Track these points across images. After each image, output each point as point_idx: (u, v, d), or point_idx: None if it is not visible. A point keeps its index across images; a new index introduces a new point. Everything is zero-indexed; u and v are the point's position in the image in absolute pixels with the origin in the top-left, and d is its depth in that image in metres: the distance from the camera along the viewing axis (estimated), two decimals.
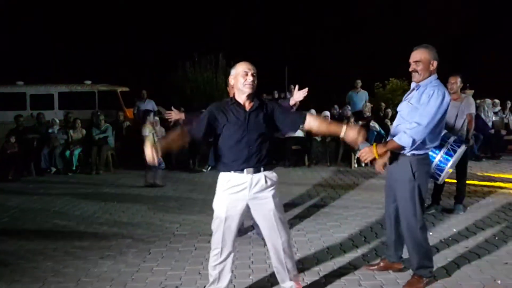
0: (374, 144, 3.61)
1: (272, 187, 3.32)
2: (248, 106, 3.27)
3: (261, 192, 3.28)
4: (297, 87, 4.72)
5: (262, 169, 3.27)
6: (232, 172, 3.26)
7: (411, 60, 3.67)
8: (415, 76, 3.64)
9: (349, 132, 3.20)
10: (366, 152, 3.56)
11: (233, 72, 3.27)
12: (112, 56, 20.16)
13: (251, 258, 4.49)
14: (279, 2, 21.42)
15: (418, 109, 3.54)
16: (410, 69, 3.68)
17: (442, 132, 3.76)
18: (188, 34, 20.18)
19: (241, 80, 3.22)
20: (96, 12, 20.86)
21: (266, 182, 3.28)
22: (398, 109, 3.83)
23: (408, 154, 3.61)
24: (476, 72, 17.28)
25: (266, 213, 3.33)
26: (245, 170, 3.24)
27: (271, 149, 3.34)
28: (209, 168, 9.47)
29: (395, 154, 3.69)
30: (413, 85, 3.78)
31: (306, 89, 4.58)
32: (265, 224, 3.38)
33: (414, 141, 3.47)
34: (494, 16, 20.07)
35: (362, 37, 20.85)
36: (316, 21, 21.51)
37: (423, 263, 3.73)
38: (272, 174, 3.34)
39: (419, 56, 3.61)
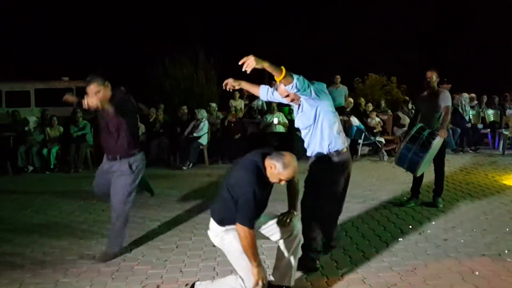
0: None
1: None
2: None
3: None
4: None
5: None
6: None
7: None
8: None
9: None
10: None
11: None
12: (90, 52, 19.82)
13: None
14: None
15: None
16: (288, 102, 3.97)
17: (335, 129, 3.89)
18: (166, 29, 19.98)
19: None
20: (73, 7, 20.47)
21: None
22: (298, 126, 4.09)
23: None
24: (452, 68, 17.58)
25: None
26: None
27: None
28: (190, 164, 9.41)
29: (320, 157, 3.92)
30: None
31: None
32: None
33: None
34: (470, 11, 20.38)
35: (341, 33, 20.95)
36: (294, 16, 21.52)
37: None
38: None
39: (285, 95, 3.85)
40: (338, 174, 3.90)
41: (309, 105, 3.78)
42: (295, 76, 3.48)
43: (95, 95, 4.09)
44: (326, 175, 3.89)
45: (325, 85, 3.90)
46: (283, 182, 3.25)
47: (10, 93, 13.47)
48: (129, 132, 4.35)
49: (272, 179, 3.21)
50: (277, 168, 3.14)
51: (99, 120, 4.50)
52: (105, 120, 4.35)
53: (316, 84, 3.75)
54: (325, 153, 3.86)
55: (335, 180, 3.91)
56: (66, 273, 4.15)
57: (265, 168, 3.19)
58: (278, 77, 3.44)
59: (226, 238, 3.24)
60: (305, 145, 4.05)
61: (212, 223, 3.34)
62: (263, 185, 3.18)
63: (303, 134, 4.02)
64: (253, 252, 3.10)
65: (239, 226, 3.08)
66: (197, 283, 3.47)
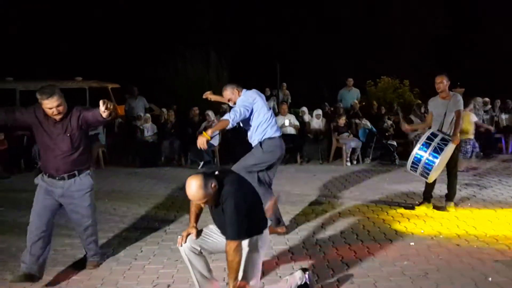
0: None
1: None
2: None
3: None
4: None
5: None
6: None
7: None
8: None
9: None
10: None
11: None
12: (103, 52, 19.98)
13: None
14: None
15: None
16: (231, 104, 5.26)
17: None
18: (179, 29, 20.07)
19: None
20: (87, 8, 20.66)
21: None
22: None
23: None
24: (466, 71, 17.40)
25: None
26: None
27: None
28: (202, 164, 9.43)
29: (257, 144, 5.01)
30: None
31: None
32: None
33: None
34: (484, 15, 20.18)
35: (354, 35, 20.87)
36: (308, 18, 21.47)
37: None
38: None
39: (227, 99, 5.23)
40: (269, 154, 4.94)
41: (248, 115, 4.91)
42: (230, 118, 4.69)
43: (56, 108, 3.74)
44: (260, 155, 4.92)
45: (253, 92, 5.07)
46: (202, 204, 3.45)
47: (24, 92, 13.60)
48: (88, 142, 4.16)
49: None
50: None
51: (44, 136, 3.89)
52: (59, 134, 3.86)
53: (244, 97, 4.95)
54: (260, 140, 4.94)
55: (266, 159, 4.93)
56: (77, 271, 4.18)
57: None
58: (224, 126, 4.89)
59: None
60: (248, 137, 5.13)
61: None
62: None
63: (248, 130, 5.06)
64: None
65: None
66: None
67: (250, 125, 4.98)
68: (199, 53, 15.09)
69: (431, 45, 20.78)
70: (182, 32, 19.67)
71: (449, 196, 6.03)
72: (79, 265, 4.31)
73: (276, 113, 10.98)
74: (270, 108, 5.15)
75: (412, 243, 4.76)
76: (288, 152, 9.89)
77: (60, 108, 3.77)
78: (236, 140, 9.95)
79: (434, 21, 20.51)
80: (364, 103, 12.84)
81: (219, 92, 15.52)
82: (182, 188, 7.51)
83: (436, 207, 6.04)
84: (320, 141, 10.12)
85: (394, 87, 14.27)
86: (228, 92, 5.06)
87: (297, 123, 10.25)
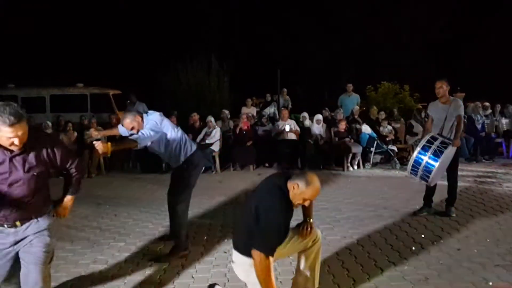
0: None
1: None
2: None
3: None
4: None
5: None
6: None
7: None
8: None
9: None
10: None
11: None
12: (104, 58, 20.07)
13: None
14: (271, 4, 21.45)
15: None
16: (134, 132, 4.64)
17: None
18: (180, 35, 20.15)
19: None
20: (88, 14, 20.78)
21: None
22: None
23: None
24: (467, 76, 17.44)
25: None
26: None
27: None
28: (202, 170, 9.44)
29: (179, 165, 4.81)
30: None
31: None
32: None
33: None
34: (484, 19, 20.25)
35: (354, 40, 20.94)
36: (309, 22, 21.56)
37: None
38: None
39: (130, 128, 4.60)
40: (196, 168, 4.87)
41: (156, 139, 4.63)
42: (139, 140, 4.36)
43: (19, 138, 2.80)
44: (187, 174, 4.80)
45: (156, 114, 4.70)
46: (307, 203, 3.17)
47: (26, 99, 13.67)
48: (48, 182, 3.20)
49: (296, 200, 3.11)
50: (300, 187, 3.07)
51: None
52: (16, 172, 2.84)
53: (150, 121, 4.56)
54: (182, 160, 4.76)
55: (195, 174, 4.85)
56: (79, 277, 4.19)
57: (288, 191, 3.11)
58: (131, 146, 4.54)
59: (253, 272, 3.01)
60: (167, 160, 5.08)
61: (238, 256, 3.16)
62: (288, 210, 3.11)
63: (164, 154, 4.83)
64: (265, 280, 2.94)
65: (256, 252, 2.93)
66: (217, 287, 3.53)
67: (167, 149, 4.73)
68: (200, 59, 15.13)
69: (432, 50, 20.85)
70: (183, 37, 19.77)
71: (450, 201, 6.02)
72: (81, 271, 4.33)
73: (277, 119, 11.01)
74: (177, 126, 4.88)
75: (412, 248, 4.77)
76: (289, 158, 9.95)
77: (25, 137, 2.83)
78: (236, 145, 10.00)
79: (435, 26, 20.58)
80: (364, 108, 12.86)
81: (219, 97, 15.49)
82: None
83: (437, 212, 6.05)
84: (321, 146, 10.13)
85: (394, 92, 14.28)
86: (129, 121, 4.56)
87: (297, 128, 10.28)
